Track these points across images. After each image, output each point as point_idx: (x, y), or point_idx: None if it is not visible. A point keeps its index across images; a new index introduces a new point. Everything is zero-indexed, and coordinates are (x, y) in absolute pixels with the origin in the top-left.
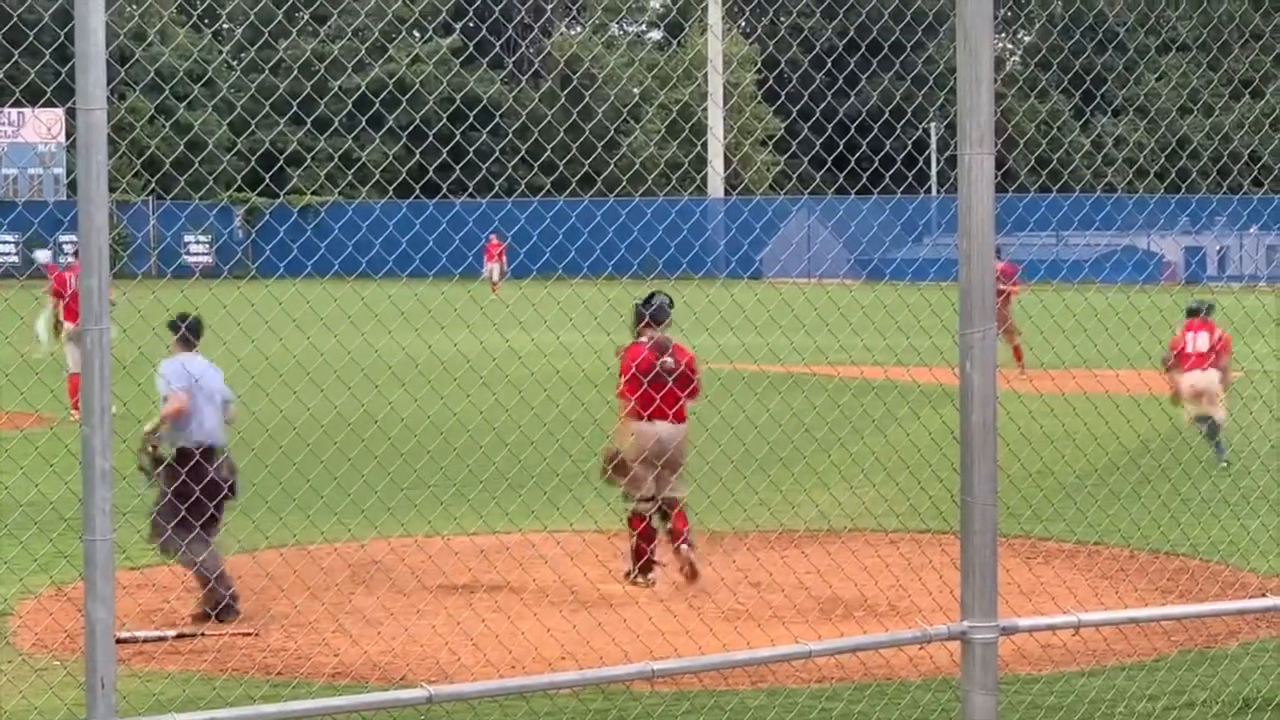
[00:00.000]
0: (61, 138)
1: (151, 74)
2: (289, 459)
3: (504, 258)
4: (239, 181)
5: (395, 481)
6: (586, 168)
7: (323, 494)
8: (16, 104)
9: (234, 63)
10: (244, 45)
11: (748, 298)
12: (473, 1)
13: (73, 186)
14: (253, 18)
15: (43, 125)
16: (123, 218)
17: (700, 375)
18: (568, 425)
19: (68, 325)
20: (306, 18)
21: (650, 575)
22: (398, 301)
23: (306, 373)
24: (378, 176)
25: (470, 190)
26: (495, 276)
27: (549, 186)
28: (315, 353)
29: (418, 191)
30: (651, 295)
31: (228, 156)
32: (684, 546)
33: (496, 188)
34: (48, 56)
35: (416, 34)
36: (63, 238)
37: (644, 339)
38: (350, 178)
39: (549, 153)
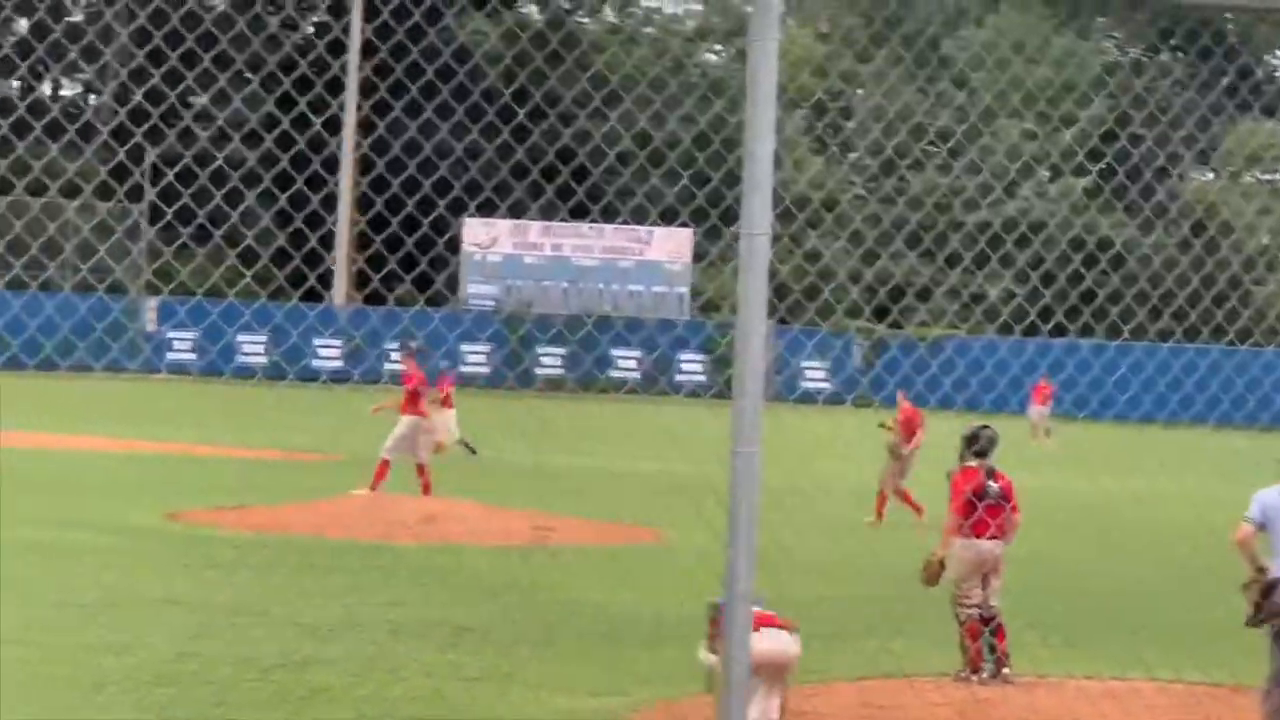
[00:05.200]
0: (688, 258)
1: (786, 202)
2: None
3: (1050, 401)
4: (867, 311)
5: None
6: (1219, 318)
7: None
8: (650, 222)
9: (867, 194)
10: (877, 176)
11: None
12: (1110, 144)
13: (702, 307)
14: (889, 150)
15: (672, 244)
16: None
17: (1016, 495)
18: (1183, 575)
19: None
20: (943, 152)
21: (981, 675)
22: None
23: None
24: (1005, 316)
25: (1097, 333)
26: (1040, 420)
27: (1179, 334)
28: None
29: (1045, 331)
30: (980, 429)
31: (856, 288)
32: (1005, 671)
33: (1126, 332)
34: (685, 179)
35: (1046, 172)
36: (682, 356)
37: (972, 464)
38: (978, 315)
39: (1180, 300)
